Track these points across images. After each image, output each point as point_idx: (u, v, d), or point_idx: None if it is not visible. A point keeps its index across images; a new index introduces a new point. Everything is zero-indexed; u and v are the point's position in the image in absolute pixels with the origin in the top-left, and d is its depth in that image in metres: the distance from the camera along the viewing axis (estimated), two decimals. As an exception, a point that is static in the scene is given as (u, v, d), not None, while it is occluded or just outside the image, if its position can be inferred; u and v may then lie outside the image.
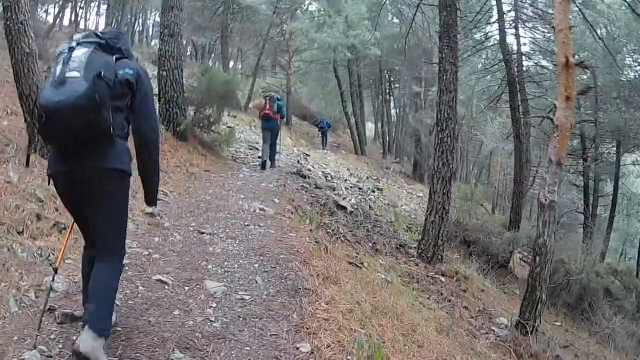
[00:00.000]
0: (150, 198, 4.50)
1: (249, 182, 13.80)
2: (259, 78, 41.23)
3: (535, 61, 24.54)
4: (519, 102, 19.68)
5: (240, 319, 5.41)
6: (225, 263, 7.05)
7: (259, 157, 17.73)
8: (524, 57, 21.64)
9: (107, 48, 3.88)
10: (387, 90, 48.29)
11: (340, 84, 39.19)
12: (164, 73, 15.56)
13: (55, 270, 4.28)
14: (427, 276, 10.93)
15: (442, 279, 11.09)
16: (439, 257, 11.87)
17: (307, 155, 24.56)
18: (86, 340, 3.58)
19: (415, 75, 36.60)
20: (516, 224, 18.94)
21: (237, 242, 8.04)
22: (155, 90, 15.82)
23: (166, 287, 5.88)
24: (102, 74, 3.60)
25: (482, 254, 15.91)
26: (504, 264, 16.66)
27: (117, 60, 3.89)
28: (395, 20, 39.64)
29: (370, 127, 54.83)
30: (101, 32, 3.99)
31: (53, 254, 6.03)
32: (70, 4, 39.55)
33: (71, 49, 3.69)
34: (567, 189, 28.91)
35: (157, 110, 15.05)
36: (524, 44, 22.77)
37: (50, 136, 3.78)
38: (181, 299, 5.63)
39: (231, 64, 60.60)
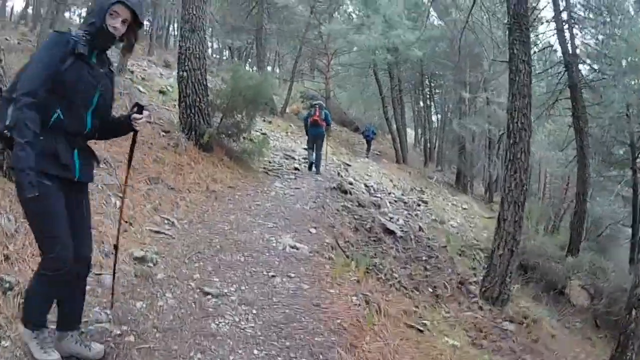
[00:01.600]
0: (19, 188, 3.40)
1: (281, 202, 11.36)
2: (296, 82, 39.22)
3: (591, 65, 21.62)
4: (581, 110, 16.82)
5: None
6: (231, 358, 4.51)
7: (305, 159, 18.26)
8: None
9: None
10: (428, 96, 45.67)
11: (380, 88, 36.80)
12: (184, 74, 13.17)
13: None
14: (495, 326, 9.04)
15: (511, 327, 9.18)
16: (506, 296, 9.91)
17: (347, 165, 22.51)
18: None
19: (460, 79, 33.84)
20: (576, 246, 16.43)
21: (254, 312, 5.52)
22: (175, 94, 14.25)
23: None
24: None
25: (541, 281, 14.21)
26: (562, 291, 14.74)
27: None
28: (437, 22, 36.85)
29: (410, 134, 52.25)
30: None
31: None
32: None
33: None
34: (608, 198, 26.34)
35: (178, 116, 13.42)
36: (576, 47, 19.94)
37: None
38: None
39: (269, 68, 59.03)
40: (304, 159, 18.73)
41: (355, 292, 6.70)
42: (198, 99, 13.14)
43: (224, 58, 49.25)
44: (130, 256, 6.27)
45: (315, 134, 17.12)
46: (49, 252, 3.56)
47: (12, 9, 51.23)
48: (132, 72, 21.31)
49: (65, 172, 3.60)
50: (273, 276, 6.54)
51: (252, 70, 28.74)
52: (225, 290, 5.89)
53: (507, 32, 10.58)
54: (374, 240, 10.94)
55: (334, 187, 14.21)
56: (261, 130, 21.81)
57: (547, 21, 20.34)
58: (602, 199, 26.16)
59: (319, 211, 10.87)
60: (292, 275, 6.69)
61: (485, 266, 11.41)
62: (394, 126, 36.33)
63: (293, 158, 19.06)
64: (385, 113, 37.19)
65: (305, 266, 7.19)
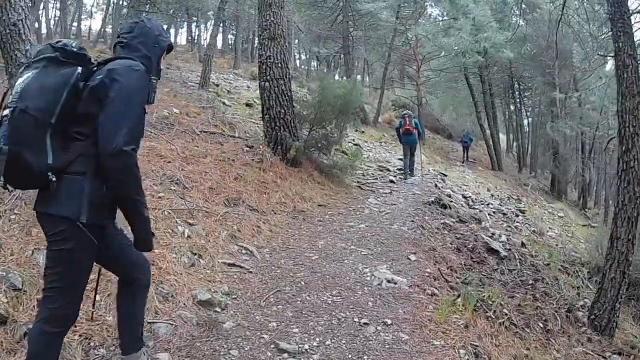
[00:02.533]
0: (140, 241, 3.27)
1: (376, 222, 10.04)
2: (387, 90, 38.11)
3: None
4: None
5: None
6: None
7: (400, 169, 18.25)
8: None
9: (65, 57, 3.02)
10: (518, 99, 44.03)
11: (473, 93, 35.61)
12: (266, 84, 12.12)
13: None
14: (604, 360, 7.74)
15: (619, 360, 7.84)
16: (614, 324, 8.48)
17: (444, 175, 21.20)
18: None
19: (550, 80, 32.04)
20: None
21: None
22: (258, 107, 13.55)
23: None
24: (26, 107, 2.81)
25: None
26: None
27: (102, 65, 3.12)
28: (521, 22, 35.15)
29: (501, 138, 50.52)
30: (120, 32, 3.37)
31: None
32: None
33: (19, 76, 2.97)
34: None
35: (263, 131, 12.43)
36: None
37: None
38: None
39: (358, 77, 58.19)
40: (399, 169, 18.28)
41: (463, 342, 5.34)
42: (283, 111, 12.07)
43: (312, 68, 48.38)
44: (194, 299, 5.20)
45: (406, 141, 17.41)
46: (148, 271, 3.64)
47: (89, 27, 52.27)
48: (217, 85, 20.54)
49: None
50: (366, 324, 5.24)
51: (341, 79, 27.93)
52: (306, 346, 4.67)
53: (610, 23, 9.04)
54: (478, 262, 9.61)
55: (432, 202, 12.87)
56: (353, 140, 20.98)
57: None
58: None
59: (417, 232, 9.55)
60: (389, 321, 5.39)
61: (589, 284, 10.58)
62: (488, 132, 34.92)
63: (388, 170, 17.91)
64: (479, 119, 35.99)
65: (405, 307, 5.88)
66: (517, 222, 16.49)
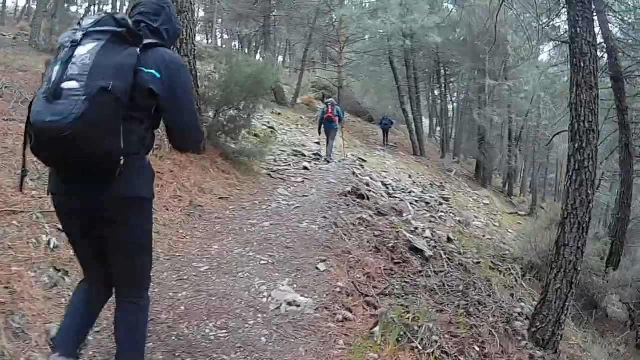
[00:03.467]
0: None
1: (283, 218, 8.80)
2: (308, 72, 36.92)
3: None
4: (624, 103, 14.24)
5: None
6: None
7: (315, 155, 18.01)
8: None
9: (130, 36, 2.83)
10: (444, 84, 43.20)
11: (397, 77, 34.41)
12: None
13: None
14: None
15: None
16: (559, 337, 7.59)
17: (363, 161, 20.25)
18: None
19: (479, 66, 31.43)
20: (618, 257, 14.02)
21: None
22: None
23: None
24: (110, 87, 2.59)
25: (581, 298, 11.81)
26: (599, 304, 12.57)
27: (146, 51, 2.85)
28: (451, 7, 34.49)
29: (424, 123, 50.13)
30: (137, 4, 3.19)
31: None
32: None
33: (74, 44, 2.68)
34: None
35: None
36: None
37: (43, 160, 2.78)
38: None
39: (280, 58, 56.99)
40: (315, 154, 18.05)
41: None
42: None
43: (234, 50, 46.93)
44: (47, 335, 3.90)
45: (329, 127, 18.06)
46: (149, 279, 3.36)
47: (16, 3, 49.65)
48: None
49: None
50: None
51: (255, 59, 26.83)
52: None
53: (567, 4, 7.99)
54: (400, 264, 8.51)
55: (349, 192, 11.71)
56: (268, 123, 19.93)
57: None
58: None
59: (330, 231, 8.35)
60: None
61: (523, 284, 10.13)
62: (411, 116, 34.02)
63: (303, 155, 16.74)
64: (401, 103, 35.04)
65: (308, 342, 4.62)
66: (441, 211, 16.04)
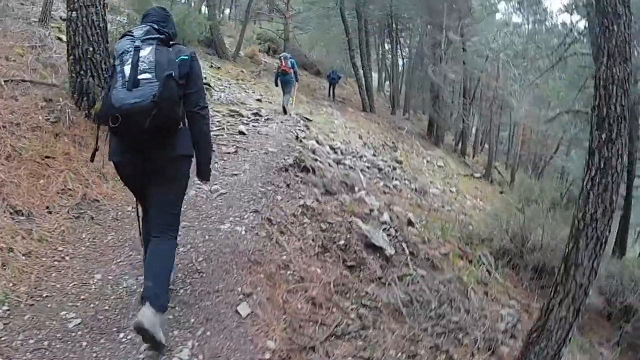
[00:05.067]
0: (204, 172, 4.40)
1: (200, 216, 6.48)
2: (253, 23, 34.42)
3: None
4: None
5: None
6: None
7: (253, 115, 15.77)
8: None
9: (165, 40, 4.00)
10: (394, 38, 40.80)
11: (347, 29, 32.09)
12: (73, 14, 8.21)
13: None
14: None
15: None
16: None
17: (308, 120, 17.65)
18: (147, 315, 3.53)
19: (436, 22, 29.41)
20: (622, 250, 12.36)
21: None
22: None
23: None
24: (173, 75, 3.72)
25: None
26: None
27: (173, 47, 4.03)
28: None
29: (373, 78, 48.25)
30: (148, 14, 4.27)
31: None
32: None
33: (137, 49, 3.75)
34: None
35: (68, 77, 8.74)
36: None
37: (125, 134, 3.73)
38: None
39: (227, 12, 54.11)
40: (254, 114, 15.26)
41: None
42: (92, 49, 8.24)
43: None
44: None
45: (284, 80, 18.14)
46: (179, 220, 4.32)
47: None
48: (63, 19, 15.51)
49: None
50: None
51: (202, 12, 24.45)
52: None
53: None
54: (353, 268, 6.43)
55: (291, 165, 9.45)
56: (205, 79, 17.04)
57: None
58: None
59: (262, 234, 6.07)
60: None
61: (497, 276, 9.15)
62: (361, 71, 31.74)
63: (240, 115, 14.14)
64: (351, 57, 32.90)
65: None
66: (395, 178, 15.01)
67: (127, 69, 3.58)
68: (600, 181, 5.20)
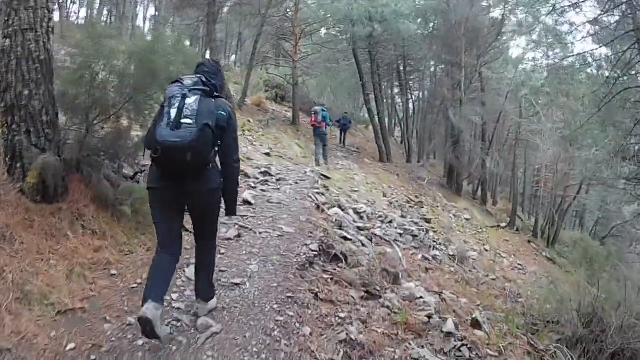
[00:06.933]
0: (231, 209, 4.84)
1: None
2: (260, 69, 32.22)
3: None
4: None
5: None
6: None
7: (264, 173, 13.51)
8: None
9: (210, 93, 4.40)
10: (404, 81, 37.69)
11: (361, 72, 29.51)
12: (7, 42, 5.67)
13: None
14: None
15: None
16: None
17: (326, 178, 14.47)
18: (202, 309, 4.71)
19: (455, 61, 26.98)
20: None
21: None
22: None
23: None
24: (210, 124, 4.16)
25: None
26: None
27: (215, 100, 4.44)
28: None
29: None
30: (202, 64, 4.79)
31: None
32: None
33: (184, 97, 4.20)
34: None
35: None
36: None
37: (163, 165, 4.21)
38: None
39: (233, 57, 52.32)
40: (263, 173, 12.67)
41: None
42: (27, 93, 5.67)
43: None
44: None
45: (317, 134, 18.91)
46: (216, 236, 4.95)
47: None
48: None
49: None
50: None
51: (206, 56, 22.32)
52: None
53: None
54: None
55: (316, 254, 6.77)
56: None
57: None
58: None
59: None
60: None
61: None
62: (377, 118, 29.36)
63: (246, 175, 11.46)
64: (367, 102, 30.63)
65: None
66: (431, 245, 12.49)
67: (174, 112, 4.07)
68: None
